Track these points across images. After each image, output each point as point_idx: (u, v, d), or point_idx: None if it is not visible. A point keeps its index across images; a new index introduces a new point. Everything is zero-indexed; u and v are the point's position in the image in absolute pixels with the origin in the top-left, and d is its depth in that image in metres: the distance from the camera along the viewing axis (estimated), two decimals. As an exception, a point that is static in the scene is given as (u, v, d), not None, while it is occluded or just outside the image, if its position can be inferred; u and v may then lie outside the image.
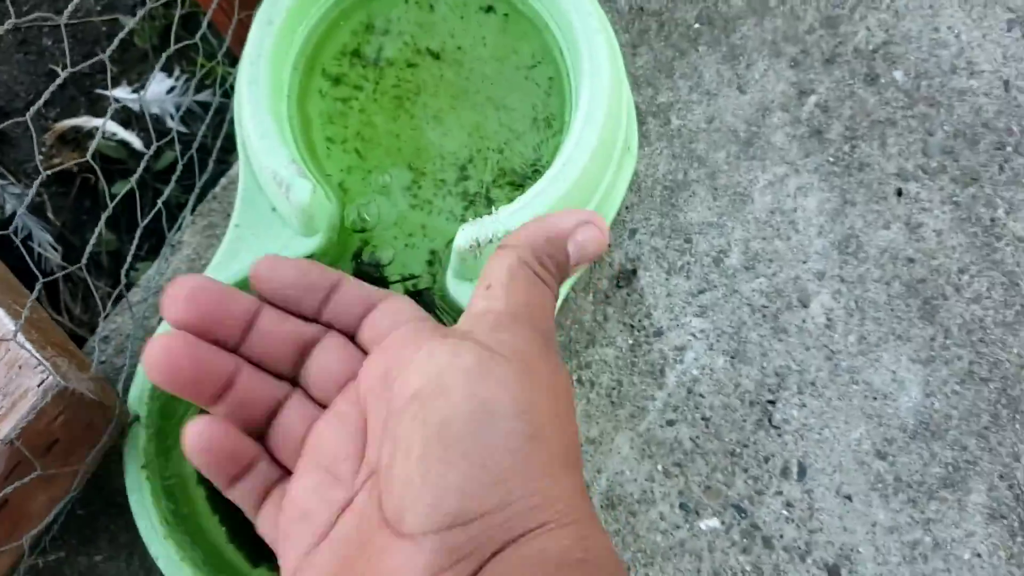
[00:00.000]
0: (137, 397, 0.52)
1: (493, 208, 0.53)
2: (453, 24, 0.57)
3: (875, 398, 0.59)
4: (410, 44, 0.57)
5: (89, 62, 0.49)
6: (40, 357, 0.46)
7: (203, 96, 0.78)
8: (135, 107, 0.79)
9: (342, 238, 0.55)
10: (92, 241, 0.49)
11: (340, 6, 0.56)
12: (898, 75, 0.64)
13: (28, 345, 0.46)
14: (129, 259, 0.52)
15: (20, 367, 0.47)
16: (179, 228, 0.61)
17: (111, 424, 0.50)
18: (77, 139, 0.79)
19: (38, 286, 0.47)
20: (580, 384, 0.59)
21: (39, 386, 0.46)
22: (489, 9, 0.57)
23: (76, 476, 0.50)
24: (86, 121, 0.78)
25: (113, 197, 0.78)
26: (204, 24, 0.55)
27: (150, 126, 0.53)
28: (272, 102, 0.52)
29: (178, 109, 0.77)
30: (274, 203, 0.52)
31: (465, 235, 0.50)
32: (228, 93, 0.71)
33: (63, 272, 0.50)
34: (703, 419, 0.59)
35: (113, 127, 0.78)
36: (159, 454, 0.53)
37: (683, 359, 0.60)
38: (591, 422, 0.59)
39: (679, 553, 0.57)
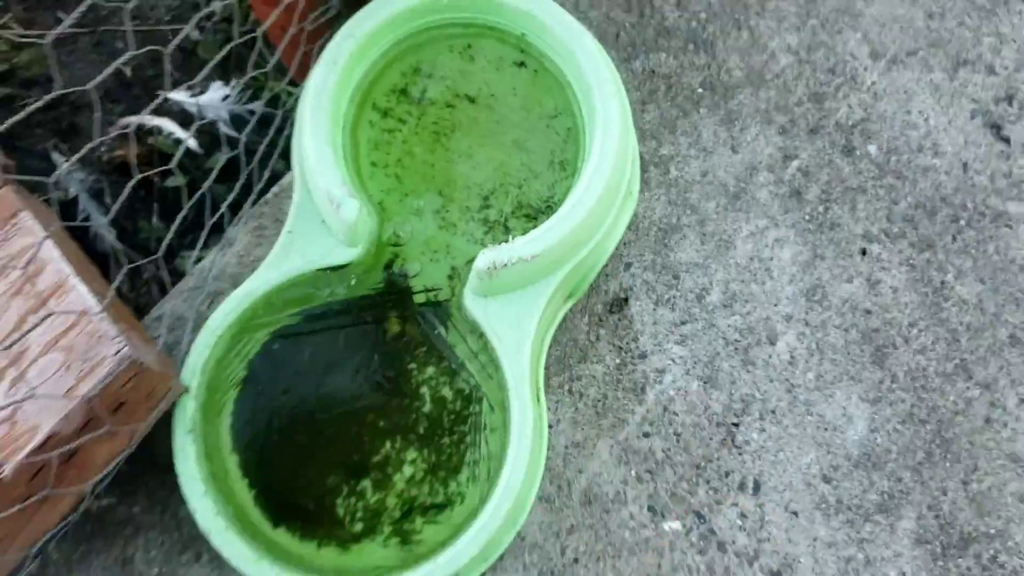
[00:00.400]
0: (189, 372, 0.60)
1: (510, 236, 0.62)
2: (489, 74, 0.65)
3: (826, 429, 0.67)
4: (451, 88, 0.65)
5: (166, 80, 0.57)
6: (121, 334, 0.53)
7: (254, 106, 0.86)
8: (192, 110, 0.86)
9: (378, 250, 0.63)
10: (168, 239, 0.57)
11: (394, 51, 0.64)
12: (872, 149, 0.72)
13: (108, 320, 0.54)
14: (196, 251, 0.60)
15: (100, 338, 0.54)
16: (235, 224, 0.69)
17: (168, 392, 0.58)
18: (138, 134, 0.86)
19: (121, 273, 0.55)
20: (570, 394, 0.67)
21: (115, 355, 0.54)
22: (521, 64, 0.65)
23: (134, 435, 0.58)
24: (148, 119, 0.86)
25: (166, 190, 0.86)
26: (275, 57, 0.62)
27: (223, 131, 0.61)
28: (330, 129, 0.60)
29: (231, 116, 0.85)
30: (324, 216, 0.60)
31: (485, 259, 0.58)
32: (282, 107, 0.79)
33: (134, 264, 0.58)
34: (675, 434, 0.67)
35: (170, 127, 0.86)
36: (203, 421, 0.60)
37: (662, 380, 0.68)
38: (577, 428, 0.67)
39: (644, 549, 0.65)
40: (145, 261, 0.61)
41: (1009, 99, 0.73)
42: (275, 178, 0.72)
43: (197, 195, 0.63)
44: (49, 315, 0.54)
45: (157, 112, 0.88)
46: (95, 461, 0.57)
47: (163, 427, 0.60)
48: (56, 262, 0.57)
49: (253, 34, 0.63)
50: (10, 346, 0.54)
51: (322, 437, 0.61)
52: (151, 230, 0.86)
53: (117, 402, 0.55)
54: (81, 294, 0.56)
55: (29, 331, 0.54)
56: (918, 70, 0.74)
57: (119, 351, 0.54)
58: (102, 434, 0.54)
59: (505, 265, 0.58)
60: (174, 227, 0.58)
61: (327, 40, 0.65)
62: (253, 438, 0.62)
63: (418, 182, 0.64)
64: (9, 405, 0.52)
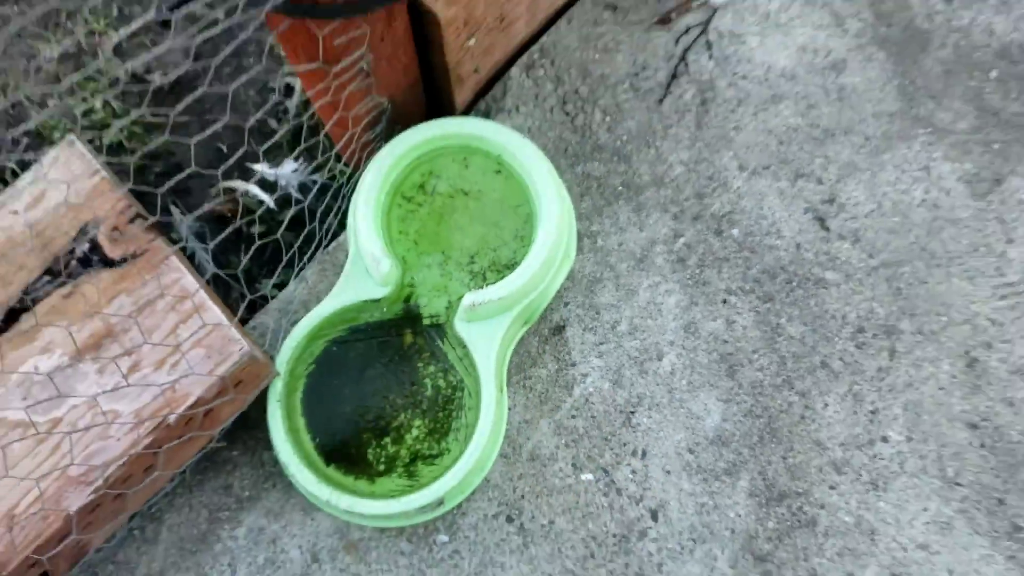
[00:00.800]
0: (279, 363, 0.92)
1: (486, 283, 0.93)
2: (478, 177, 0.97)
3: (692, 418, 0.99)
4: (453, 185, 0.97)
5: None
6: (242, 336, 0.85)
7: (315, 177, 1.18)
8: (270, 178, 1.19)
9: (401, 289, 0.94)
10: (273, 280, 0.88)
11: (416, 161, 0.96)
12: (735, 232, 1.04)
13: (234, 329, 0.86)
14: (298, 281, 0.91)
15: (229, 340, 0.86)
16: (308, 263, 1.01)
17: (267, 376, 0.90)
18: (232, 194, 1.19)
19: (245, 303, 0.87)
20: (523, 388, 0.99)
21: (239, 351, 0.85)
22: (498, 171, 0.97)
23: (245, 401, 0.90)
24: (238, 184, 1.18)
25: (252, 235, 1.17)
26: (343, 163, 0.94)
27: (293, 195, 0.92)
28: (375, 210, 0.93)
29: (299, 184, 1.17)
30: (367, 267, 0.92)
31: (469, 298, 0.90)
32: (336, 180, 1.11)
33: (251, 298, 0.89)
34: (592, 417, 0.98)
35: (255, 190, 1.18)
36: (286, 395, 0.92)
37: (585, 381, 0.99)
38: (527, 411, 0.98)
39: (567, 492, 0.96)
40: (254, 297, 0.93)
41: (831, 201, 1.05)
42: (335, 235, 1.04)
43: (295, 246, 0.95)
44: (200, 326, 0.86)
45: (245, 178, 1.21)
46: (221, 416, 0.89)
47: (254, 401, 0.92)
48: (199, 291, 0.89)
49: (311, 122, 0.95)
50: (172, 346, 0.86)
51: (360, 408, 0.93)
52: (239, 264, 1.18)
53: (238, 380, 0.87)
54: (216, 312, 0.88)
55: (185, 337, 0.87)
56: (770, 179, 1.05)
57: (241, 348, 0.86)
58: (227, 400, 0.86)
59: (482, 303, 0.90)
60: (280, 269, 0.90)
61: (373, 150, 0.98)
62: (316, 407, 0.94)
63: (428, 245, 0.96)
64: (175, 380, 0.84)
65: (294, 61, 0.77)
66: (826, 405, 0.99)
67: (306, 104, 1.17)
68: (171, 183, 0.75)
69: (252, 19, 0.67)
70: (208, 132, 0.73)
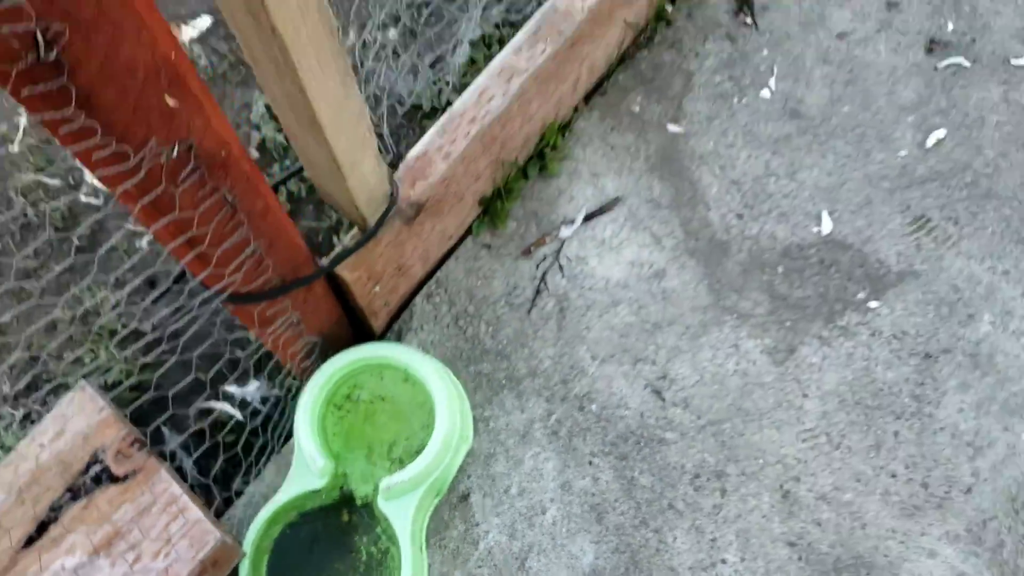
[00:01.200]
0: (245, 545, 1.19)
1: (401, 467, 1.23)
2: (391, 386, 1.29)
3: (572, 558, 1.25)
4: (373, 393, 1.29)
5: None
6: (215, 528, 1.14)
7: (275, 391, 1.49)
8: (238, 395, 1.50)
9: (335, 479, 1.24)
10: (239, 478, 1.18)
11: (343, 379, 1.28)
12: (594, 407, 1.35)
13: (211, 524, 1.14)
14: (258, 481, 1.21)
15: (207, 532, 1.14)
16: (265, 465, 1.31)
17: (237, 556, 1.17)
18: (209, 411, 1.49)
19: (215, 503, 1.15)
20: (439, 547, 1.26)
21: (215, 540, 1.13)
22: (407, 380, 1.29)
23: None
24: (213, 404, 1.49)
25: (224, 443, 1.46)
26: (293, 376, 1.26)
27: (256, 407, 1.23)
28: (311, 420, 1.23)
29: (260, 398, 1.48)
30: (308, 464, 1.22)
31: (387, 481, 1.19)
32: (289, 392, 1.43)
33: (223, 497, 1.18)
34: (494, 565, 1.25)
35: (228, 408, 1.49)
36: (252, 569, 1.19)
37: (487, 537, 1.27)
38: (444, 564, 1.25)
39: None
40: (225, 495, 1.22)
41: (664, 377, 1.36)
42: (287, 438, 1.34)
43: (254, 449, 1.24)
44: (184, 523, 1.14)
45: (217, 397, 1.52)
46: (205, 590, 1.15)
47: (230, 574, 1.19)
48: (183, 496, 1.18)
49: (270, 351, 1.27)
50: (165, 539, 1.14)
51: (312, 574, 1.20)
52: (216, 466, 1.47)
53: (214, 560, 1.14)
54: (196, 512, 1.16)
55: (174, 532, 1.15)
56: (615, 364, 1.38)
57: (216, 537, 1.14)
58: (209, 574, 1.13)
59: (395, 484, 1.19)
60: (244, 468, 1.20)
61: (311, 372, 1.30)
62: (277, 574, 1.20)
63: (356, 442, 1.26)
64: (168, 565, 1.12)
65: (246, 326, 1.10)
66: (675, 538, 1.27)
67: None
68: (162, 418, 1.06)
69: (216, 304, 1.00)
70: (188, 380, 1.04)
